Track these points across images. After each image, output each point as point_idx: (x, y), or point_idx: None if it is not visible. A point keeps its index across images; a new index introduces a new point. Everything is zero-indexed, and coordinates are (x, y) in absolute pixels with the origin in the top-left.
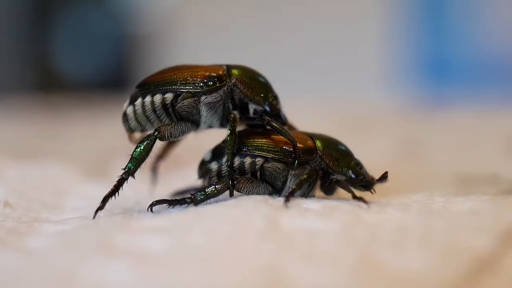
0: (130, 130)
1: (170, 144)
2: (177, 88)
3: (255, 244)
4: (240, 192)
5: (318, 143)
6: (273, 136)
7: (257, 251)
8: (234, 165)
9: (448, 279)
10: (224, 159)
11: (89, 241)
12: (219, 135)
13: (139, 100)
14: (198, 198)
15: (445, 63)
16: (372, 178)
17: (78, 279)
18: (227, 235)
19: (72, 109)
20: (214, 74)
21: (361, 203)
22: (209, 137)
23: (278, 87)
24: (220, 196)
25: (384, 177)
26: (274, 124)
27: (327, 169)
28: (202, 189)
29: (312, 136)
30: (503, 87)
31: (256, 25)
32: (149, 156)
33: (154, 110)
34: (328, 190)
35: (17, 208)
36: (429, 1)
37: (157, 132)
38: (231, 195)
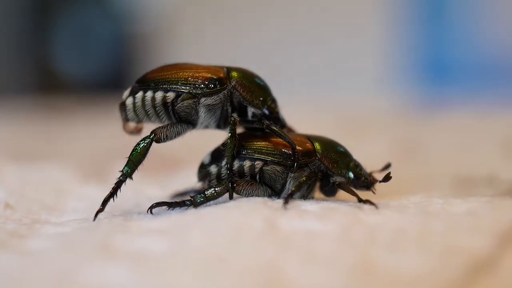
0: (126, 120)
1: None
2: (177, 88)
3: (254, 246)
4: (239, 194)
5: (317, 146)
6: (272, 139)
7: (256, 252)
8: (233, 168)
9: (446, 280)
10: (224, 162)
11: (89, 243)
12: (218, 136)
13: (140, 94)
14: (198, 201)
15: (444, 64)
16: (374, 179)
17: (79, 281)
18: (226, 236)
19: (72, 110)
20: (215, 77)
21: (367, 205)
22: (208, 139)
23: (276, 88)
24: (220, 198)
25: (387, 178)
26: (273, 127)
27: (326, 171)
28: (201, 192)
29: (311, 139)
30: (501, 88)
31: (255, 25)
32: (145, 158)
33: (154, 106)
34: (329, 192)
35: (17, 210)
36: (428, 2)
37: (153, 135)
38: (231, 197)
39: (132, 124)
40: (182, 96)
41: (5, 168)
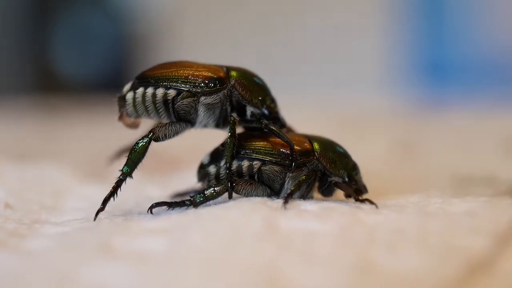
0: (125, 114)
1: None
2: (177, 86)
3: (254, 246)
4: (238, 194)
5: (316, 145)
6: (271, 139)
7: (255, 252)
8: (232, 168)
9: (445, 280)
10: (222, 162)
11: (89, 243)
12: (218, 136)
13: (141, 90)
14: (198, 200)
15: (444, 64)
16: (364, 186)
17: (79, 281)
18: (226, 236)
19: (71, 110)
20: (215, 76)
21: (366, 205)
22: (208, 139)
23: (275, 88)
24: (219, 198)
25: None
26: (272, 126)
27: (324, 171)
28: (201, 192)
29: (310, 138)
30: (500, 88)
31: (255, 24)
32: (145, 157)
33: (154, 102)
34: (327, 192)
35: (17, 209)
36: (427, 2)
37: (151, 134)
38: (230, 197)
39: (129, 119)
40: (182, 94)
41: (4, 168)
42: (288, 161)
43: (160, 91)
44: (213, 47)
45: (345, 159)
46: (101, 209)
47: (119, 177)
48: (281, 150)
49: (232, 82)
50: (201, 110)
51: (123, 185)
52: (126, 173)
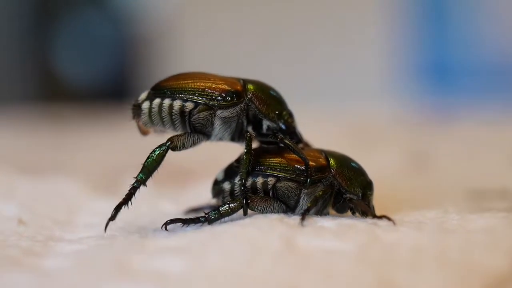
0: (138, 121)
1: None
2: (194, 98)
3: (272, 264)
4: (253, 210)
5: (332, 161)
6: (286, 155)
7: (274, 271)
8: (246, 185)
9: None
10: (237, 179)
11: (106, 262)
12: (231, 148)
13: (157, 101)
14: (212, 217)
15: (450, 70)
16: (373, 207)
17: None
18: (243, 255)
19: (77, 118)
20: (232, 89)
21: (384, 221)
22: (221, 151)
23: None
24: (235, 215)
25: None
26: (287, 141)
27: (339, 188)
28: (216, 208)
29: (326, 154)
30: (508, 94)
31: (258, 28)
32: (160, 165)
33: (170, 114)
34: (341, 208)
35: (30, 225)
36: (434, 8)
37: (169, 142)
38: (245, 213)
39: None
40: (199, 107)
41: (14, 182)
42: (303, 178)
43: (177, 103)
44: (217, 51)
45: (361, 177)
46: (112, 217)
47: (133, 184)
48: (296, 166)
49: (249, 95)
50: (217, 123)
51: (137, 196)
52: (141, 181)
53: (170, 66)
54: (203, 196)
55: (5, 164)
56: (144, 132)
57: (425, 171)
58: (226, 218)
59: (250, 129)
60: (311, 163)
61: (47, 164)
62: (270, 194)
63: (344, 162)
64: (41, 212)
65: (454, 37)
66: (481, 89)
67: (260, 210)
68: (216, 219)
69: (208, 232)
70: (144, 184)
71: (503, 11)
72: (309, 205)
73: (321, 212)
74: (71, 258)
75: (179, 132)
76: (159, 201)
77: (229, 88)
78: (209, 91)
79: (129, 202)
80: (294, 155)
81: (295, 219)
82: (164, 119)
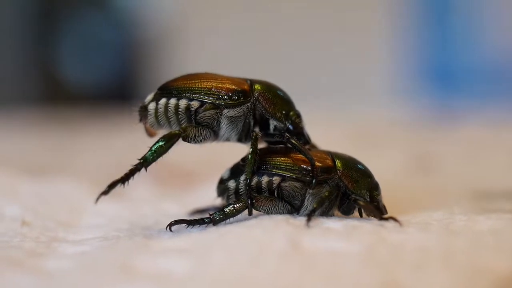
0: (145, 123)
1: None
2: (201, 97)
3: (278, 266)
4: (258, 210)
5: (338, 163)
6: (292, 154)
7: (280, 272)
8: (251, 184)
9: None
10: (242, 177)
11: (110, 263)
12: (236, 149)
13: (163, 101)
14: (217, 218)
15: (455, 72)
16: (384, 207)
17: None
18: (249, 256)
19: (81, 120)
20: (239, 89)
21: (390, 223)
22: (225, 152)
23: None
24: (240, 216)
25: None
26: (293, 141)
27: (345, 189)
28: (220, 209)
29: (333, 155)
30: None
31: (262, 31)
32: (167, 153)
33: (176, 113)
34: (347, 210)
35: (34, 227)
36: (436, 11)
37: (182, 131)
38: (250, 213)
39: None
40: (205, 106)
41: (18, 183)
42: (309, 178)
43: (183, 102)
44: (220, 52)
45: (367, 179)
46: (105, 192)
47: (136, 165)
48: (302, 166)
49: (256, 95)
50: (224, 123)
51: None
52: (144, 163)
53: (173, 68)
54: (208, 197)
55: (9, 165)
56: (151, 134)
57: (430, 173)
58: (231, 219)
59: (256, 129)
60: (317, 163)
61: (51, 165)
62: (275, 194)
63: (351, 164)
64: (44, 214)
65: (458, 40)
66: (485, 91)
67: (265, 210)
68: (221, 220)
69: (213, 233)
70: (145, 168)
71: (507, 14)
72: (315, 206)
73: (326, 214)
74: (75, 259)
75: None
76: (163, 202)
77: (235, 87)
78: (215, 90)
79: (126, 182)
80: (301, 155)
81: (301, 220)
82: (171, 119)
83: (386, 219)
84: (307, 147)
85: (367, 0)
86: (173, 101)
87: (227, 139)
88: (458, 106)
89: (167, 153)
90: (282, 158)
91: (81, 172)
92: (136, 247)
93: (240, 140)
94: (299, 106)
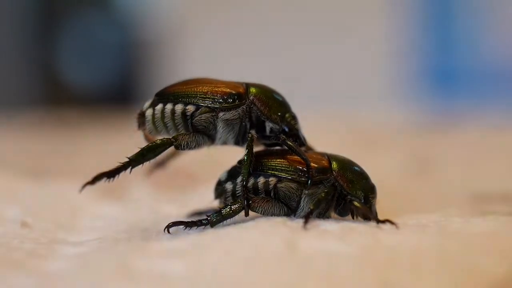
0: (143, 130)
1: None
2: (196, 102)
3: (275, 267)
4: (255, 211)
5: (334, 164)
6: (287, 156)
7: (276, 274)
8: (248, 185)
9: None
10: (239, 179)
11: (109, 265)
12: (234, 151)
13: (160, 106)
14: (214, 220)
15: (454, 75)
16: (375, 212)
17: None
18: (246, 258)
19: (81, 123)
20: (234, 92)
21: (387, 225)
22: (223, 154)
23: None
24: (237, 218)
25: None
26: (289, 142)
27: (341, 190)
28: (217, 211)
29: (329, 157)
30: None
31: (263, 33)
32: (155, 159)
33: (173, 118)
34: (343, 211)
35: (34, 228)
36: (437, 13)
37: (174, 140)
38: (247, 214)
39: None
40: (201, 109)
41: (19, 185)
42: (304, 178)
43: (178, 107)
44: (220, 55)
45: (363, 180)
46: (90, 182)
47: (123, 163)
48: (298, 167)
49: (251, 98)
50: (220, 126)
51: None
52: (131, 163)
53: (174, 71)
54: (206, 199)
55: (10, 167)
56: (150, 141)
57: (428, 175)
58: (229, 221)
59: (252, 131)
60: (312, 164)
61: (51, 167)
62: (272, 195)
63: (347, 165)
64: (44, 215)
65: (459, 42)
66: (485, 93)
67: (261, 211)
68: (218, 222)
69: (210, 235)
70: (131, 168)
71: (508, 16)
72: (311, 207)
73: (323, 215)
74: (74, 261)
75: None
76: (161, 204)
77: (230, 91)
78: (210, 94)
79: (112, 178)
80: (296, 156)
81: (298, 222)
82: (167, 124)
83: (383, 221)
84: (303, 149)
85: (368, 2)
86: (169, 106)
87: (224, 142)
88: (458, 109)
89: (155, 159)
90: (278, 160)
91: (81, 174)
92: (135, 249)
93: (237, 143)
94: (298, 108)
